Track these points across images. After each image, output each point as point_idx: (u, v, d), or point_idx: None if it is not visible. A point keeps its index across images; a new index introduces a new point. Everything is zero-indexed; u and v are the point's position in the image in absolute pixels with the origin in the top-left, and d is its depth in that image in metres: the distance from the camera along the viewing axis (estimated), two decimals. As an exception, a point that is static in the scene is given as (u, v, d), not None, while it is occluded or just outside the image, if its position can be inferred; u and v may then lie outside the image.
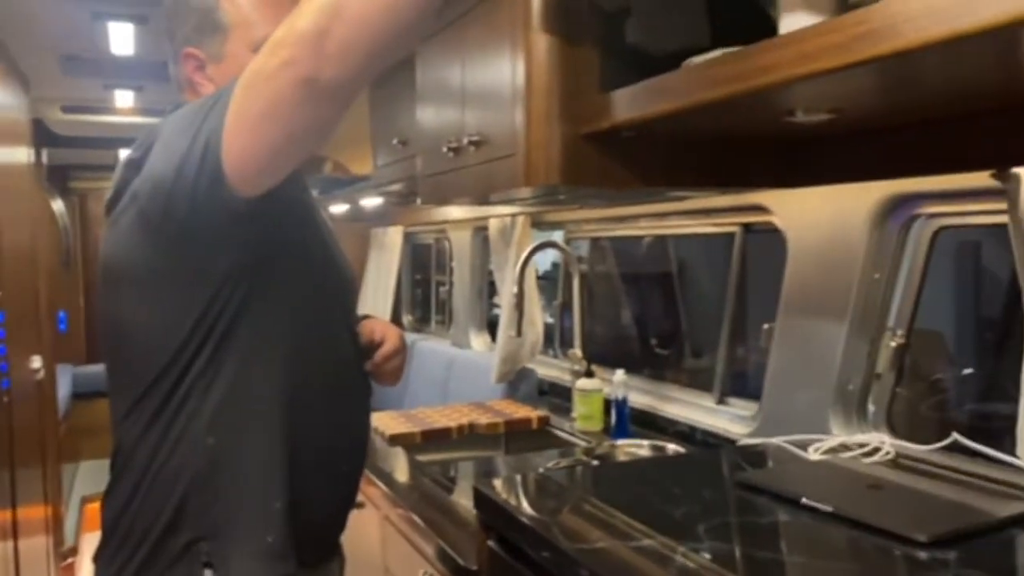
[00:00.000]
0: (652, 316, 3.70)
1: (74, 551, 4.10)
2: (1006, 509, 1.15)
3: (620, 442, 2.05)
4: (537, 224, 2.80)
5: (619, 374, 2.16)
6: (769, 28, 1.03)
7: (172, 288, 1.09)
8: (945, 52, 0.78)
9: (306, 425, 1.16)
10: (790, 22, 0.99)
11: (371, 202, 3.41)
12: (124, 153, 1.16)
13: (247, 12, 1.17)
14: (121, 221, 1.10)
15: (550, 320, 3.07)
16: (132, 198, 1.07)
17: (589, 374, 2.29)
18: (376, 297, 4.19)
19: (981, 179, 1.23)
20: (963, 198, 1.41)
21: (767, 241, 1.88)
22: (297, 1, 1.21)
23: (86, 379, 5.30)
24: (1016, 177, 1.19)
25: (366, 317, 1.42)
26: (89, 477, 5.07)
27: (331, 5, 0.87)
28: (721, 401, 2.06)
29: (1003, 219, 1.23)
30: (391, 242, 4.14)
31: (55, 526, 3.67)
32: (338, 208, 3.97)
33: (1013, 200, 1.19)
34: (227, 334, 1.09)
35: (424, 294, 4.32)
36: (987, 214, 1.40)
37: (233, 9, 1.17)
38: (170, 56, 1.24)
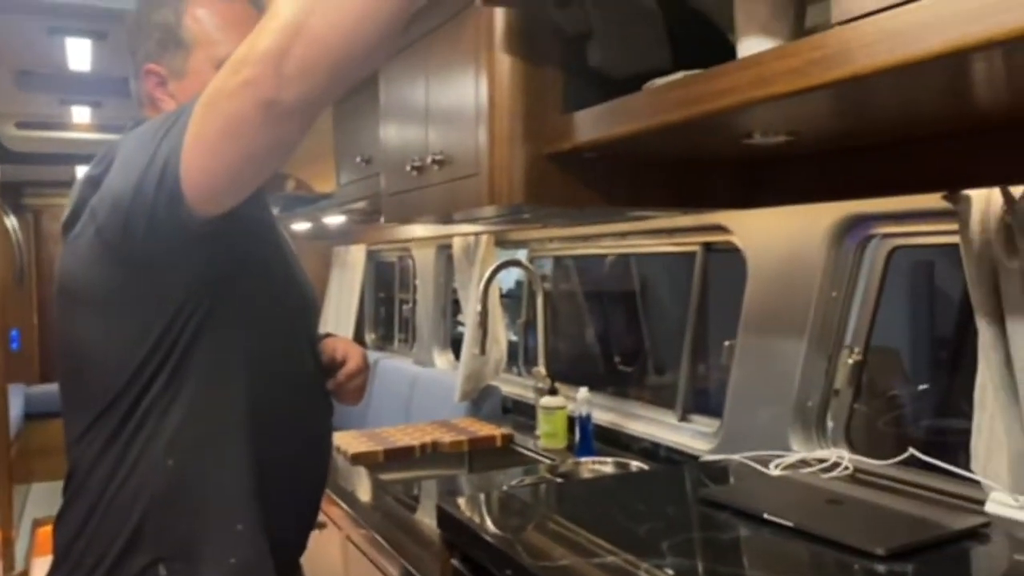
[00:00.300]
0: (615, 334, 3.72)
1: (24, 575, 3.98)
2: (961, 522, 1.17)
3: (584, 459, 2.05)
4: (501, 243, 2.81)
5: (583, 391, 2.17)
6: (728, 52, 1.06)
7: (131, 307, 1.07)
8: (897, 77, 0.81)
9: (267, 445, 1.15)
10: (748, 46, 1.01)
11: (334, 220, 3.39)
12: (81, 170, 1.14)
13: (210, 29, 1.17)
14: (79, 239, 1.08)
15: (514, 338, 3.07)
16: (91, 216, 1.06)
17: (553, 392, 2.29)
18: (338, 316, 4.16)
19: (933, 200, 1.26)
20: (916, 219, 1.45)
21: (729, 260, 1.91)
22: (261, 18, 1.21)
23: (39, 399, 5.16)
24: (966, 199, 1.22)
25: (328, 335, 1.41)
26: (41, 499, 4.93)
27: (293, 25, 0.86)
28: (684, 418, 2.07)
29: (955, 239, 1.26)
30: (354, 260, 4.12)
31: (5, 550, 3.56)
32: (300, 226, 3.94)
33: (964, 221, 1.22)
34: (187, 354, 1.08)
35: (387, 312, 4.30)
36: (939, 234, 1.44)
37: (196, 26, 1.17)
38: (131, 72, 1.23)
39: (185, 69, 1.17)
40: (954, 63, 0.76)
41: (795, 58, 0.86)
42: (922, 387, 2.67)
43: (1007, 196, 1.16)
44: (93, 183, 1.07)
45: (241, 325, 1.12)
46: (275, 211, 1.35)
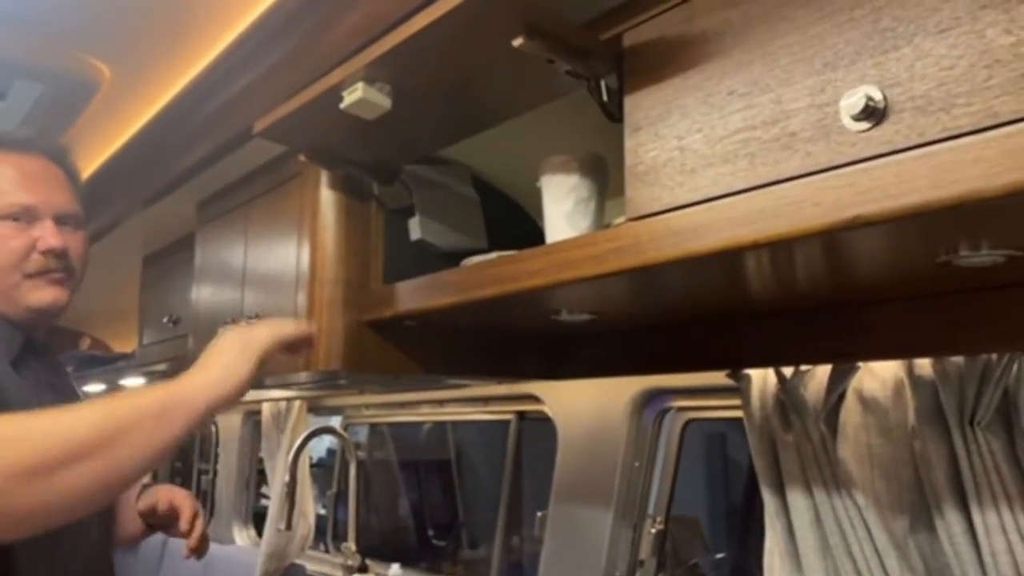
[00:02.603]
0: (430, 505, 3.64)
1: None
2: None
3: (393, 643, 1.94)
4: (314, 409, 2.72)
5: (394, 568, 2.08)
6: (538, 236, 1.15)
7: None
8: (681, 268, 0.91)
9: None
10: (554, 233, 1.11)
11: (132, 382, 3.16)
12: None
13: (1, 180, 1.12)
14: None
15: (323, 511, 2.92)
16: None
17: (363, 569, 2.18)
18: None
19: (720, 378, 1.38)
20: (705, 394, 1.58)
21: (549, 428, 1.96)
22: (60, 181, 1.18)
23: None
24: (747, 377, 1.35)
25: (146, 486, 1.31)
26: None
27: (15, 460, 0.79)
28: (497, 594, 2.03)
29: (740, 414, 1.38)
30: (151, 425, 3.82)
31: None
32: (94, 388, 3.64)
33: (746, 398, 1.34)
34: None
35: (183, 484, 3.97)
36: (726, 408, 1.57)
37: None
38: None
39: None
40: (728, 258, 0.87)
41: (594, 247, 0.95)
42: (720, 555, 2.79)
43: (779, 376, 1.30)
44: None
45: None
46: (68, 369, 1.26)
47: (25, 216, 1.11)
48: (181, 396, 0.89)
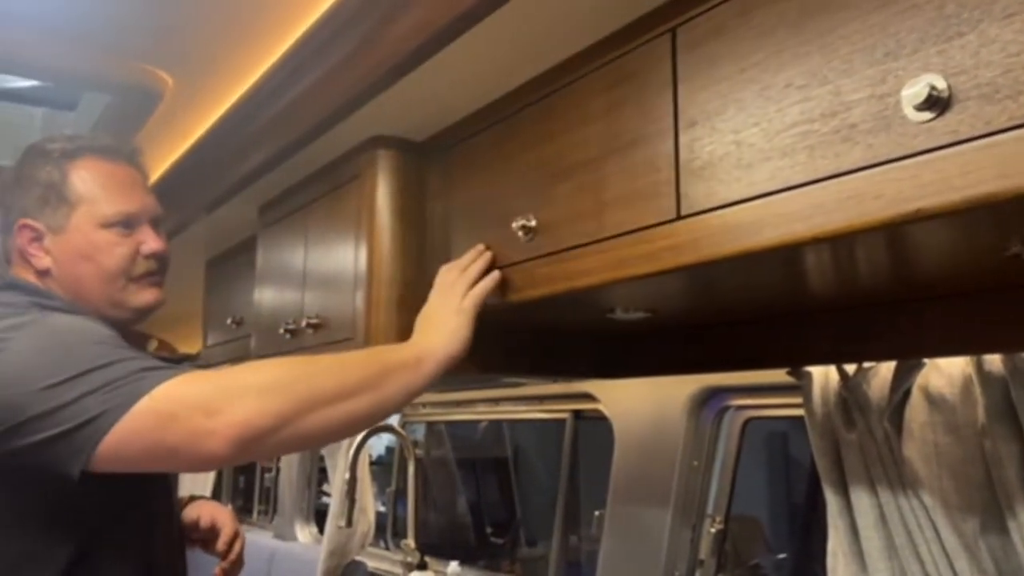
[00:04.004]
0: (488, 503, 3.66)
1: None
2: None
3: (452, 640, 1.95)
4: (373, 408, 2.76)
5: (453, 566, 2.10)
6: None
7: None
8: (738, 264, 0.90)
9: None
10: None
11: (198, 382, 3.25)
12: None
13: (96, 188, 1.17)
14: None
15: (382, 508, 2.96)
16: None
17: (422, 566, 2.20)
18: (194, 486, 3.89)
19: (781, 376, 1.36)
20: (765, 392, 1.55)
21: (605, 427, 1.95)
22: (145, 184, 1.24)
23: None
24: (808, 375, 1.33)
25: (192, 499, 1.34)
26: None
27: (288, 414, 0.91)
28: (555, 592, 2.03)
29: (802, 412, 1.35)
30: (216, 424, 3.92)
31: None
32: (160, 387, 3.75)
33: (807, 395, 1.32)
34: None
35: (247, 481, 4.07)
36: (787, 407, 1.54)
37: (82, 185, 1.17)
38: None
39: (66, 225, 1.16)
40: (786, 254, 0.85)
41: (649, 244, 0.94)
42: (781, 555, 2.74)
43: (842, 373, 1.27)
44: None
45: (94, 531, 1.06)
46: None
47: (128, 222, 1.18)
48: (430, 352, 1.10)
